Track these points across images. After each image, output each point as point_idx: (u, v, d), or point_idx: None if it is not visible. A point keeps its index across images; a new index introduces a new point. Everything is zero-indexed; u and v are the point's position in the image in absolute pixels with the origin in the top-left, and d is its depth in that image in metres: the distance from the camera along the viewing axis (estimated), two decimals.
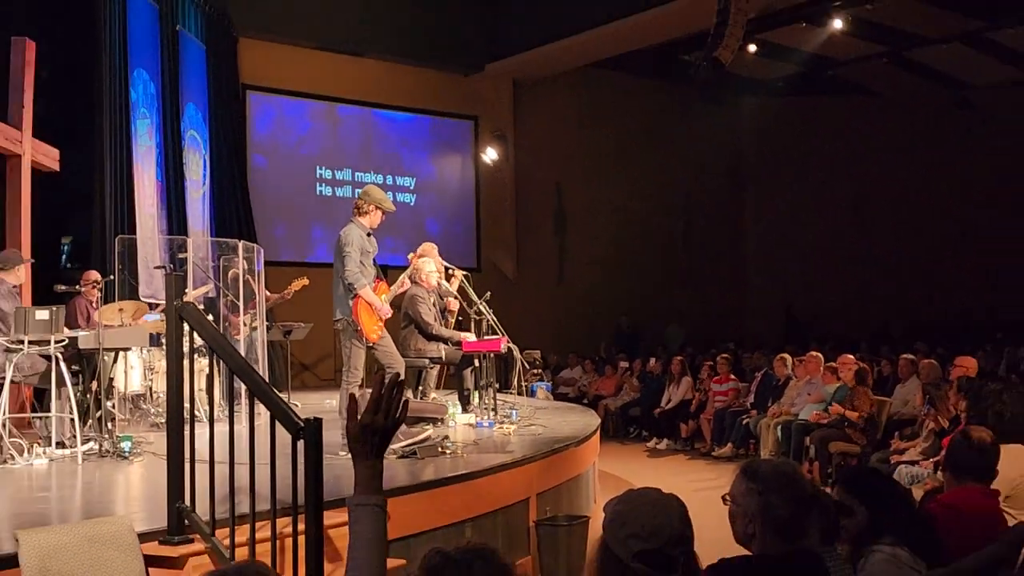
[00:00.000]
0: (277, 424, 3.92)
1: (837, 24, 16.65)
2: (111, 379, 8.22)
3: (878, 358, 13.42)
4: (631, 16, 15.82)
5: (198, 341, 4.68)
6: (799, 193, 21.89)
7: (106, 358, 7.98)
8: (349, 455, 2.44)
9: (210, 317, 6.72)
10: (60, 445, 7.38)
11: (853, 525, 3.56)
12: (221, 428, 4.57)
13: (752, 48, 16.77)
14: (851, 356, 11.80)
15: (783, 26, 16.92)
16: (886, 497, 3.58)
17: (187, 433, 4.54)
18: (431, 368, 9.28)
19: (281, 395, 4.68)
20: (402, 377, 7.56)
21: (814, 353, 12.22)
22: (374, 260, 7.76)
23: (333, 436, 5.52)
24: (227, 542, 4.25)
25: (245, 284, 10.73)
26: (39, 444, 7.39)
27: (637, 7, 15.64)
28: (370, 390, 2.44)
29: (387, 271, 9.47)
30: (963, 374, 9.27)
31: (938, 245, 20.69)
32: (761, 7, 14.30)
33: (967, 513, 3.80)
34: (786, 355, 12.72)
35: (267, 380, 10.85)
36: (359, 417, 2.34)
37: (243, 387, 4.28)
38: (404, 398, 2.44)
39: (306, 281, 11.51)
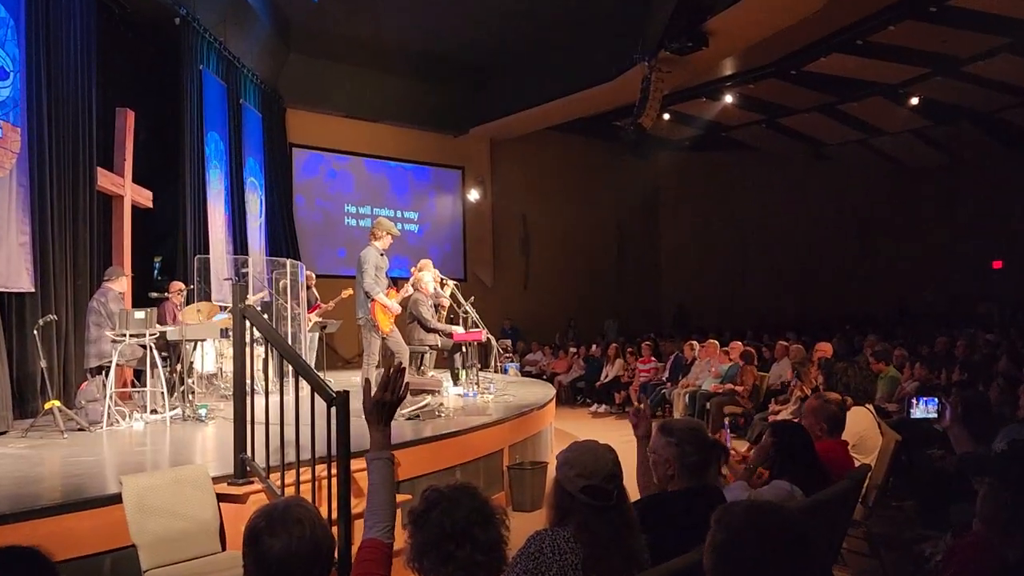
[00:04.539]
0: (315, 395, 3.91)
1: (728, 99, 16.79)
2: (191, 362, 8.16)
3: (760, 344, 13.48)
4: (577, 93, 15.87)
5: (257, 334, 4.64)
6: (699, 222, 22.00)
7: (187, 346, 7.94)
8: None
9: (266, 316, 6.69)
10: (153, 412, 7.36)
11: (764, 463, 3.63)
12: (273, 399, 4.55)
13: (666, 116, 16.86)
14: (739, 342, 11.87)
15: (689, 100, 17.03)
16: (798, 446, 3.64)
17: (248, 402, 4.53)
18: (430, 353, 9.27)
19: (318, 373, 4.67)
20: (405, 364, 7.60)
21: (712, 340, 12.27)
22: (387, 273, 7.78)
23: (357, 404, 5.52)
24: (279, 483, 4.23)
25: (307, 292, 10.86)
26: (137, 411, 7.35)
27: (581, 86, 15.69)
28: (381, 371, 2.45)
29: (396, 281, 9.44)
30: (822, 356, 9.36)
31: (799, 260, 20.84)
32: (673, 86, 14.37)
33: (828, 457, 3.86)
34: (693, 342, 12.75)
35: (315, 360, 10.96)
36: (372, 395, 2.34)
37: (290, 367, 4.25)
38: (405, 381, 2.44)
39: (351, 291, 11.55)
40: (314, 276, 12.21)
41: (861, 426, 4.71)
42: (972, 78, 14.62)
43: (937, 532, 4.07)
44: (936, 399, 5.40)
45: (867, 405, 4.96)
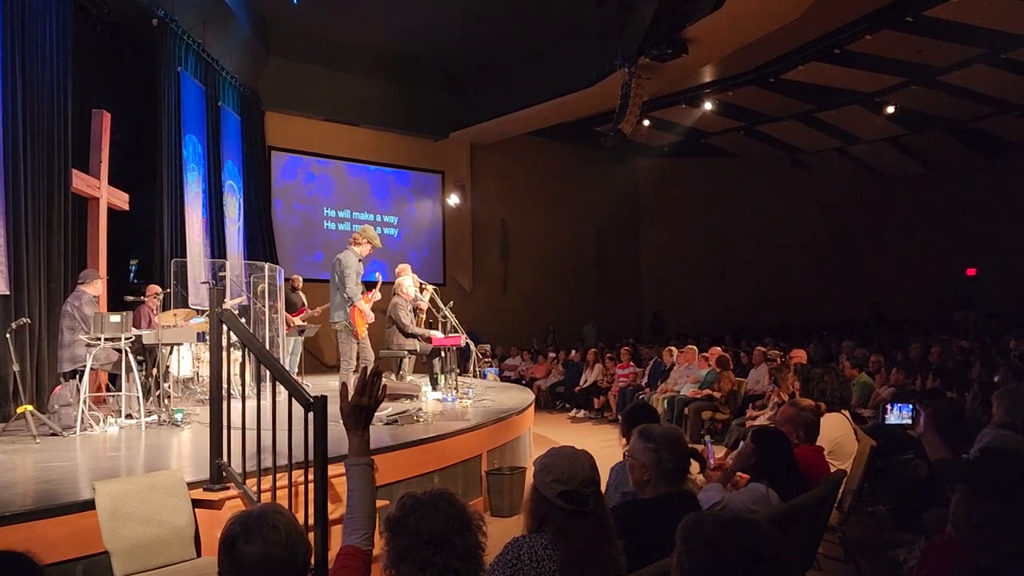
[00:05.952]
0: (293, 400, 3.90)
1: (707, 106, 16.91)
2: (167, 366, 8.10)
3: (738, 349, 13.55)
4: (557, 98, 15.91)
5: (234, 338, 4.62)
6: (679, 227, 22.11)
7: (164, 350, 7.88)
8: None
9: (243, 320, 6.66)
10: (128, 416, 7.29)
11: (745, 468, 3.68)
12: (250, 403, 4.53)
13: (646, 122, 16.96)
14: (718, 348, 11.92)
15: (669, 107, 17.12)
16: (778, 452, 3.68)
17: (224, 406, 4.50)
18: (408, 358, 9.25)
19: (297, 377, 4.64)
20: (380, 368, 7.58)
21: (691, 346, 12.31)
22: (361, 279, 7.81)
23: (336, 408, 5.53)
24: (255, 489, 4.21)
25: (293, 294, 10.84)
26: (112, 416, 7.29)
27: (561, 91, 15.73)
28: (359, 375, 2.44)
29: (371, 285, 9.42)
30: (798, 361, 9.42)
31: (777, 266, 20.99)
32: (653, 92, 14.45)
33: (804, 463, 3.89)
34: (672, 347, 12.79)
35: (298, 365, 10.96)
36: (349, 399, 2.33)
37: (267, 372, 4.23)
38: (383, 383, 2.44)
39: None
40: (301, 279, 12.20)
41: (837, 432, 4.74)
42: (947, 87, 14.82)
43: (911, 537, 4.12)
44: (911, 405, 5.45)
45: (843, 411, 5.00)
